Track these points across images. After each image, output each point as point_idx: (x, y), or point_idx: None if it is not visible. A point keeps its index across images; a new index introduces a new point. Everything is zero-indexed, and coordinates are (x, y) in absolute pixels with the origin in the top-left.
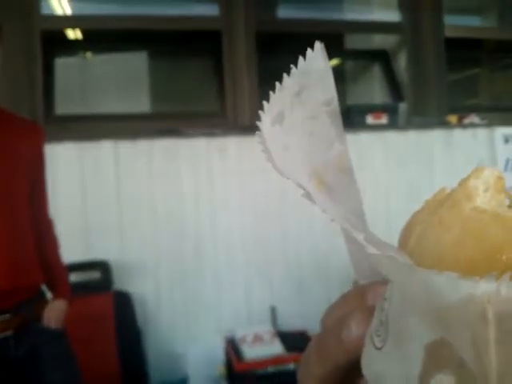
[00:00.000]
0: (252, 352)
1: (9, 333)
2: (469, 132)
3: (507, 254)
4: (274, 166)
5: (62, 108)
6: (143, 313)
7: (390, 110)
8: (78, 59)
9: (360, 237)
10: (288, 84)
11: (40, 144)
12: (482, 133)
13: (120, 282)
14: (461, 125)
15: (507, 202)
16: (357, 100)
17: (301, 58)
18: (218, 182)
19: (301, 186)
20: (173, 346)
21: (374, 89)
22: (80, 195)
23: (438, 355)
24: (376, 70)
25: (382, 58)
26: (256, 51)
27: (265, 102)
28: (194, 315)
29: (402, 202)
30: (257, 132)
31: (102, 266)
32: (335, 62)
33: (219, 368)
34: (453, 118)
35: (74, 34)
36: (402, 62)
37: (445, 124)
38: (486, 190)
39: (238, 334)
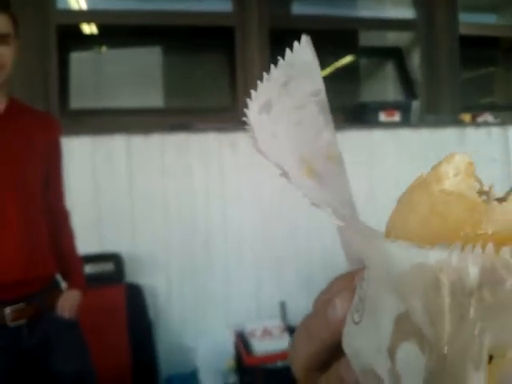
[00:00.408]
0: (261, 346)
1: (22, 322)
2: (482, 131)
3: (466, 232)
4: (260, 151)
5: (76, 102)
6: (154, 305)
7: (403, 108)
8: (93, 54)
9: (337, 220)
10: (275, 75)
11: (55, 136)
12: (495, 131)
13: (132, 275)
14: (474, 123)
15: (477, 185)
16: (370, 97)
17: (288, 51)
18: (229, 177)
19: (285, 173)
20: (183, 339)
21: (387, 86)
22: (93, 188)
23: (403, 326)
24: (389, 68)
25: (396, 55)
26: (269, 47)
27: (252, 91)
28: (204, 309)
29: None
30: (243, 119)
31: (115, 259)
32: (349, 59)
33: (228, 361)
34: (466, 117)
35: (88, 28)
36: (415, 60)
37: (458, 122)
38: (456, 175)
39: (248, 328)
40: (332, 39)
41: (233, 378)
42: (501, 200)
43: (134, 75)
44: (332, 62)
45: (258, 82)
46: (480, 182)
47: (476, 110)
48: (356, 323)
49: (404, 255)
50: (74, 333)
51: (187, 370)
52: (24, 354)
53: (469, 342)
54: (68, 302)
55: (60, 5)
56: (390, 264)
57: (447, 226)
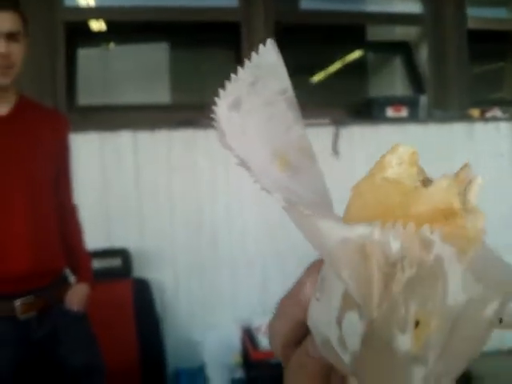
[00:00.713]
0: (268, 341)
1: (32, 314)
2: (491, 126)
3: (396, 214)
4: (226, 146)
5: (84, 99)
6: (161, 300)
7: (411, 103)
8: (100, 50)
9: (285, 204)
10: (242, 75)
11: (64, 133)
12: (504, 126)
13: (139, 270)
14: (483, 118)
15: (419, 173)
16: (378, 92)
17: (253, 53)
18: (234, 172)
19: (245, 164)
20: (190, 334)
21: (395, 81)
22: (101, 184)
23: (348, 299)
24: (397, 63)
25: (404, 50)
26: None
27: (220, 90)
28: (211, 304)
29: None
30: (211, 115)
31: (122, 254)
32: (357, 54)
33: (235, 356)
34: (475, 112)
35: (96, 25)
36: (423, 55)
37: (466, 118)
38: (399, 164)
39: (255, 323)
40: (339, 34)
41: (239, 373)
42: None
43: (141, 71)
44: (340, 57)
45: (226, 82)
46: (422, 170)
47: (485, 105)
48: (317, 300)
49: (332, 231)
50: (82, 325)
51: (195, 364)
52: (33, 346)
53: (394, 308)
54: (76, 296)
55: (68, 2)
56: (320, 241)
57: (383, 210)
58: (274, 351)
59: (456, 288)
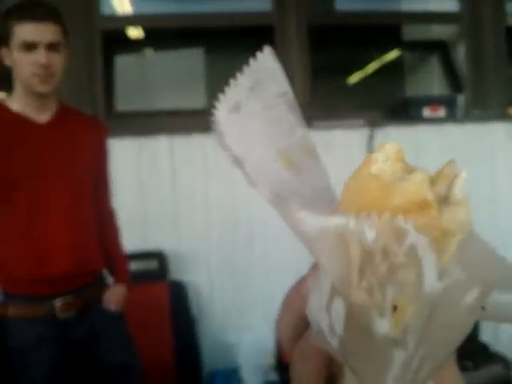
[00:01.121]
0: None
1: (71, 314)
2: None
3: (376, 207)
4: (225, 147)
5: (122, 105)
6: (197, 302)
7: (448, 102)
8: (137, 57)
9: (269, 199)
10: (241, 81)
11: (103, 138)
12: None
13: (175, 272)
14: None
15: (404, 169)
16: (415, 92)
17: (251, 59)
18: None
19: (238, 162)
20: (225, 336)
21: (432, 80)
22: (138, 188)
23: (334, 286)
24: (434, 62)
25: (441, 49)
26: (309, 45)
27: (220, 94)
28: (245, 306)
29: None
30: (211, 118)
31: (159, 256)
32: (393, 54)
33: (269, 358)
34: None
35: (133, 32)
36: (461, 53)
37: (506, 117)
38: (385, 161)
39: None
40: (375, 34)
41: (273, 375)
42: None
43: (177, 77)
44: (376, 58)
45: (225, 87)
46: (409, 166)
47: None
48: (313, 290)
49: (311, 221)
50: (119, 325)
51: (230, 365)
52: (72, 345)
53: (372, 293)
54: (114, 296)
55: (105, 10)
56: (303, 231)
57: (365, 204)
58: (282, 344)
59: (431, 275)
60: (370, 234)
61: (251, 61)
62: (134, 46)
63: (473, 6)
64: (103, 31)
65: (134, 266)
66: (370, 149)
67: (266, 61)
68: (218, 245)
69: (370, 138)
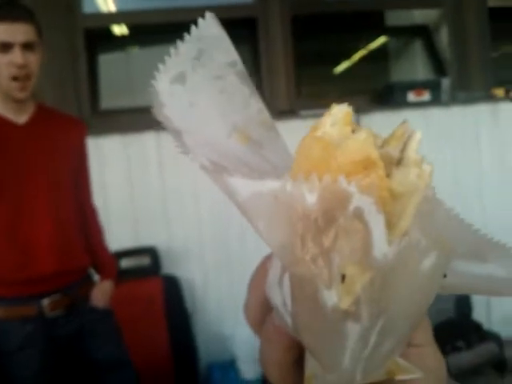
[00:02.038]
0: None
1: (59, 312)
2: None
3: (319, 169)
4: (163, 118)
5: (107, 102)
6: (191, 297)
7: (433, 86)
8: (121, 54)
9: (204, 167)
10: (183, 49)
11: (81, 136)
12: None
13: (168, 267)
14: (508, 98)
15: (351, 131)
16: (400, 78)
17: (192, 26)
18: None
19: (180, 142)
20: (221, 329)
21: (416, 66)
22: (127, 185)
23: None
24: (418, 46)
25: (423, 33)
26: (292, 36)
27: (160, 65)
28: (240, 299)
29: (449, 181)
30: (149, 89)
31: (151, 252)
32: (378, 41)
33: None
34: (499, 92)
35: (116, 29)
36: (443, 37)
37: (491, 98)
38: (333, 124)
39: None
40: (358, 22)
41: None
42: None
43: None
44: (360, 46)
45: (165, 57)
46: (357, 127)
47: (509, 84)
48: (270, 268)
49: (242, 186)
50: (108, 322)
51: (226, 358)
52: (61, 343)
53: (315, 261)
54: (100, 293)
55: (89, 6)
56: (235, 196)
57: (309, 167)
58: (251, 327)
59: (381, 240)
60: (311, 198)
61: (192, 28)
62: (118, 43)
63: None
64: (86, 29)
65: (126, 262)
66: None
67: (209, 28)
68: (210, 238)
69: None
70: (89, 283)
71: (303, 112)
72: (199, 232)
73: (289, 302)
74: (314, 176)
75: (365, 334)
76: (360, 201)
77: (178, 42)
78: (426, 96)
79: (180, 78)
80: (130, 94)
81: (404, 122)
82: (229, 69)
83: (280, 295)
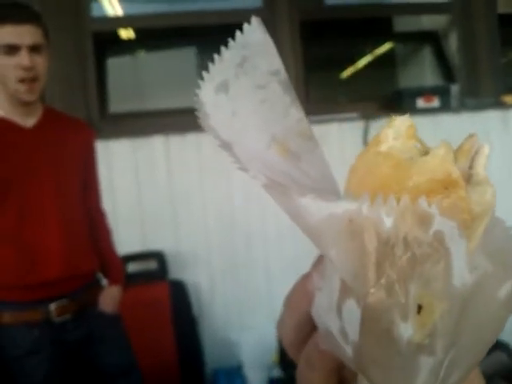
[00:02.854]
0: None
1: (67, 317)
2: None
3: (391, 187)
4: (209, 128)
5: (115, 106)
6: (198, 301)
7: (442, 92)
8: (129, 58)
9: (263, 182)
10: (228, 56)
11: (89, 139)
12: None
13: (175, 272)
14: None
15: (417, 146)
16: (408, 84)
17: (237, 32)
18: None
19: (226, 145)
20: (227, 334)
21: (425, 72)
22: (135, 189)
23: (346, 286)
24: (426, 52)
25: (432, 39)
26: (301, 40)
27: (204, 73)
28: (246, 304)
29: None
30: (194, 98)
31: (158, 256)
32: (386, 46)
33: (272, 355)
34: (509, 98)
35: (124, 33)
36: (452, 43)
37: (500, 104)
38: (396, 138)
39: None
40: (366, 28)
41: (277, 372)
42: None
43: (170, 76)
44: (368, 51)
45: (209, 64)
46: (422, 142)
47: None
48: (319, 290)
49: (314, 207)
50: (116, 327)
51: (232, 364)
52: (69, 348)
53: (392, 291)
54: (108, 298)
55: (96, 10)
56: (304, 218)
57: (377, 184)
58: (285, 348)
59: (461, 267)
60: (388, 221)
61: (237, 34)
62: (126, 47)
63: None
64: (94, 33)
65: (133, 266)
66: (366, 141)
67: (254, 34)
68: (217, 243)
69: (366, 131)
70: (97, 288)
71: (312, 117)
72: (206, 237)
73: (351, 332)
74: (392, 198)
75: (436, 367)
76: (441, 224)
77: (222, 48)
78: (436, 102)
79: (223, 87)
80: (137, 98)
81: (471, 135)
82: (272, 77)
83: (337, 322)
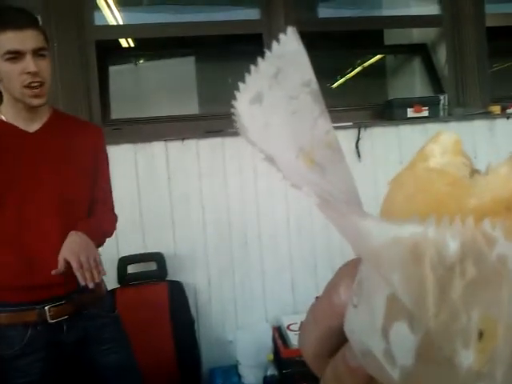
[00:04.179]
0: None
1: (63, 318)
2: None
3: (448, 206)
4: (249, 140)
5: (117, 112)
6: (195, 302)
7: (431, 103)
8: (130, 66)
9: (318, 200)
10: (263, 67)
11: (98, 139)
12: None
13: (173, 273)
14: (504, 114)
15: (465, 162)
16: (398, 94)
17: (274, 43)
18: (262, 176)
19: (270, 158)
20: (223, 334)
21: (415, 82)
22: (135, 193)
23: (394, 306)
24: (416, 64)
25: (422, 51)
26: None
27: (240, 83)
28: (242, 304)
29: None
30: (231, 110)
31: (157, 258)
32: (377, 58)
33: (267, 355)
34: (496, 108)
35: (125, 42)
36: (441, 55)
37: (487, 114)
38: (443, 153)
39: (285, 321)
40: (358, 40)
41: (272, 370)
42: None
43: (170, 84)
44: (359, 63)
45: (246, 74)
46: (469, 159)
47: (506, 101)
48: (355, 306)
49: (378, 230)
50: (115, 327)
51: (228, 363)
52: (66, 350)
53: (455, 317)
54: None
55: (98, 20)
56: (365, 241)
57: (431, 202)
58: (306, 360)
59: None
60: (453, 245)
61: (274, 44)
62: (127, 55)
63: (453, 9)
64: (97, 41)
65: (133, 268)
66: (358, 148)
67: (289, 44)
68: (214, 246)
69: (358, 139)
70: (96, 289)
71: None
72: (204, 239)
73: (401, 356)
74: (457, 219)
75: None
76: (505, 247)
77: (259, 59)
78: (425, 113)
79: (258, 98)
80: (138, 106)
81: None
82: (303, 88)
83: (382, 344)
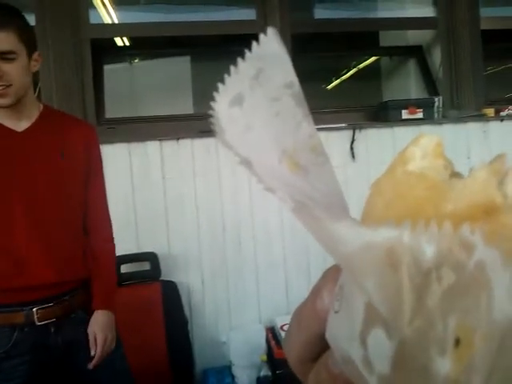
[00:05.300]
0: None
1: (51, 321)
2: (506, 124)
3: (425, 211)
4: (225, 143)
5: (111, 112)
6: (189, 302)
7: (426, 105)
8: (125, 65)
9: (290, 204)
10: (243, 68)
11: (90, 137)
12: None
13: (167, 273)
14: (498, 117)
15: (446, 166)
16: (393, 96)
17: (254, 43)
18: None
19: (246, 162)
20: (216, 334)
21: (409, 84)
22: (130, 192)
23: (372, 312)
24: (411, 66)
25: (417, 53)
26: (292, 52)
27: (220, 85)
28: (236, 305)
29: None
30: (209, 112)
31: (151, 258)
32: (372, 59)
33: (261, 355)
34: (489, 111)
35: (121, 41)
36: (436, 57)
37: (481, 116)
38: (423, 156)
39: (279, 322)
40: (353, 41)
41: (265, 371)
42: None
43: (165, 84)
44: (354, 64)
45: (225, 75)
46: (450, 162)
47: (500, 103)
48: (336, 312)
49: (351, 235)
50: None
51: (221, 363)
52: (53, 353)
53: (431, 324)
54: (94, 324)
55: (93, 19)
56: (338, 246)
57: (409, 207)
58: (290, 364)
59: (503, 298)
60: (430, 250)
61: (254, 45)
62: (122, 54)
63: (449, 11)
64: (92, 40)
65: (127, 268)
66: (353, 149)
67: (270, 45)
68: (208, 246)
69: (352, 140)
70: (85, 292)
71: None
72: (197, 239)
73: (378, 364)
74: (434, 223)
75: None
76: (484, 253)
77: (239, 60)
78: (420, 115)
79: (238, 100)
80: (133, 105)
81: (501, 155)
82: (285, 90)
83: (360, 351)
